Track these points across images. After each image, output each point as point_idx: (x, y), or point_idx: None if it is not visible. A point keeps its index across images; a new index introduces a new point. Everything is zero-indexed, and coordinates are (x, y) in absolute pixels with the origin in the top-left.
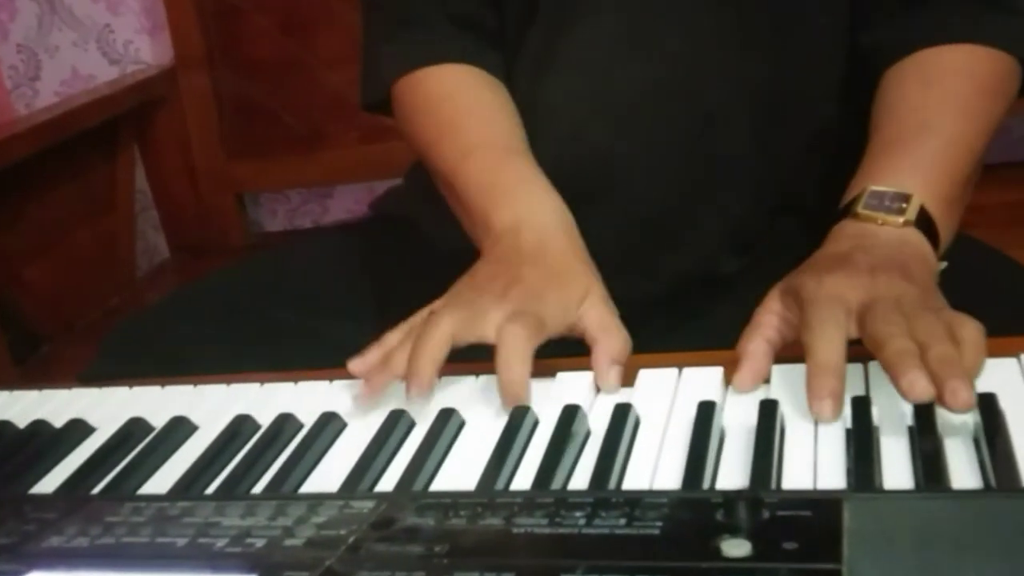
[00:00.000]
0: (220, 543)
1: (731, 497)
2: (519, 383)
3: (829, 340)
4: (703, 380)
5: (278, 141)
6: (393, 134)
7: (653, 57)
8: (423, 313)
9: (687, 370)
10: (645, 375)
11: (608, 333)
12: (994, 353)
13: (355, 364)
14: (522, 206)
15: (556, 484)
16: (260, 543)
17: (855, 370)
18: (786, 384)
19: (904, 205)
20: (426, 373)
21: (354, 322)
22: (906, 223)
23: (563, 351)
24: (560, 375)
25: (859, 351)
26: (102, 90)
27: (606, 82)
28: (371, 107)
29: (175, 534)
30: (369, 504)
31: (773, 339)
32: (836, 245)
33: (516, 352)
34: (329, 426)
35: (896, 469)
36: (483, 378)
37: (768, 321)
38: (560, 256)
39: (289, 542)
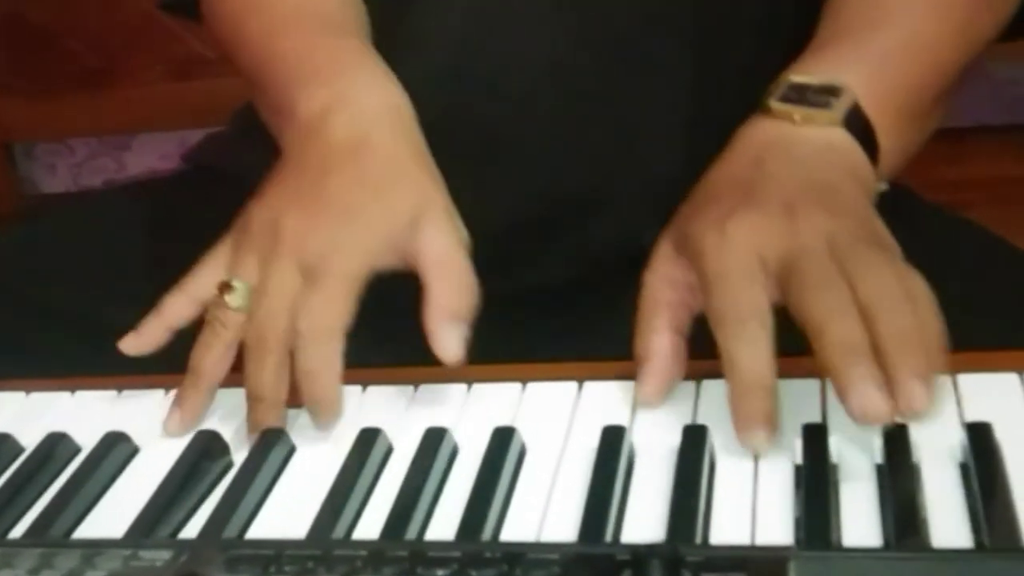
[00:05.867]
0: None
1: (642, 553)
2: (326, 398)
3: (751, 341)
4: (610, 397)
5: (60, 76)
6: (211, 69)
7: None
8: (208, 274)
9: (589, 384)
10: (535, 390)
11: (446, 278)
12: (991, 368)
13: (129, 341)
14: (337, 86)
15: (413, 532)
16: None
17: (809, 387)
18: (718, 404)
19: (832, 99)
20: (273, 419)
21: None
22: (832, 121)
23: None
24: (422, 388)
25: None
26: None
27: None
28: (168, 5)
29: None
30: (164, 555)
31: (680, 323)
32: (738, 158)
33: (316, 357)
34: (115, 450)
35: (859, 520)
36: None
37: (665, 298)
38: (384, 153)
39: None
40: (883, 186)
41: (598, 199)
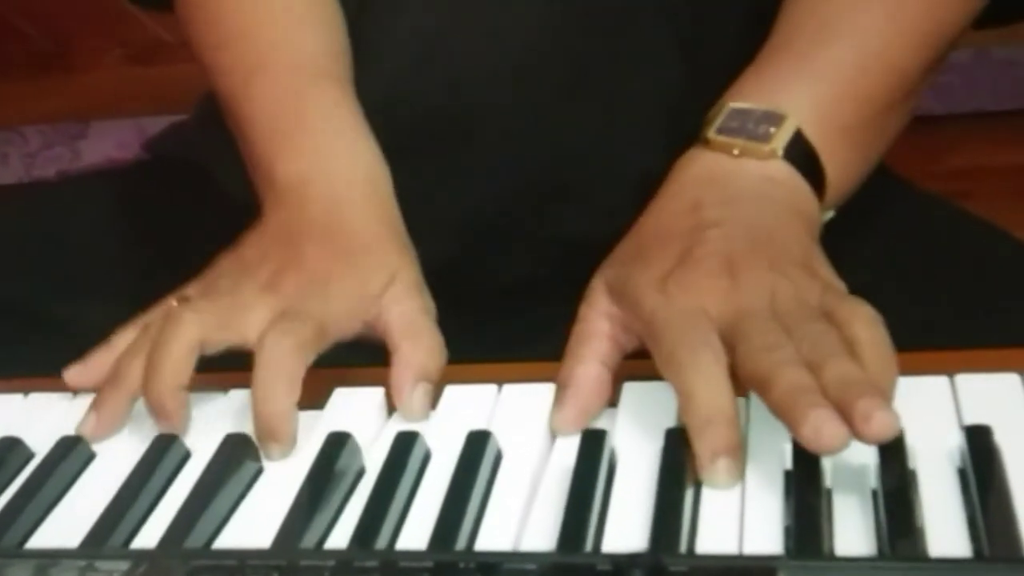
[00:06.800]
0: None
1: (624, 563)
2: (279, 416)
3: (706, 375)
4: None
5: (11, 60)
6: (172, 52)
7: None
8: (166, 304)
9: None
10: (511, 392)
11: (414, 339)
12: (991, 367)
13: (74, 373)
14: (314, 154)
15: (383, 541)
16: None
17: None
18: None
19: (773, 129)
20: (169, 404)
21: (117, 305)
22: (771, 154)
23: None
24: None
25: None
26: None
27: None
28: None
29: None
30: (122, 566)
31: (609, 357)
32: (675, 200)
33: (278, 373)
34: (71, 456)
35: (852, 528)
36: None
37: (598, 329)
38: (358, 226)
39: None
40: (829, 214)
41: (574, 189)
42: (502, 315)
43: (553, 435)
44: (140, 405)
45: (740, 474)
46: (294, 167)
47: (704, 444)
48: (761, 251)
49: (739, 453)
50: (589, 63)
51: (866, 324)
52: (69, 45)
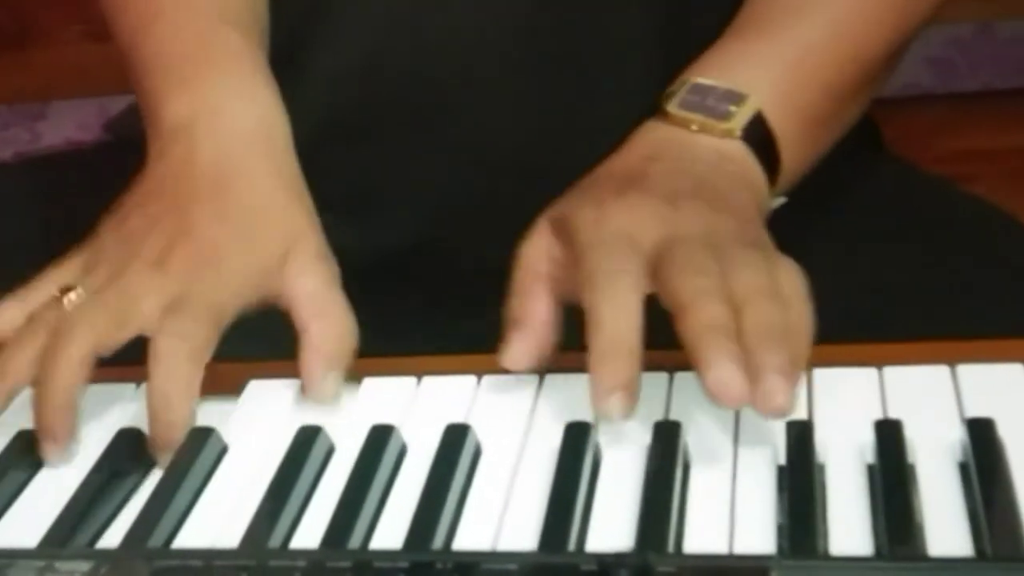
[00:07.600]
0: None
1: (609, 562)
2: (176, 426)
3: (618, 304)
4: (573, 392)
5: None
6: None
7: None
8: (51, 284)
9: (551, 377)
10: (491, 384)
11: (322, 318)
12: (994, 357)
13: None
14: (204, 94)
15: (356, 540)
16: None
17: None
18: (693, 398)
19: (733, 108)
20: (61, 428)
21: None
22: (729, 133)
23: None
24: (367, 382)
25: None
26: None
27: None
28: None
29: None
30: (83, 566)
31: (559, 296)
32: (628, 155)
33: (175, 382)
34: (29, 452)
35: (848, 526)
36: (258, 384)
37: (544, 269)
38: (253, 183)
39: None
40: (780, 200)
41: (556, 167)
42: (483, 302)
43: (530, 429)
44: (97, 398)
45: (634, 410)
46: (182, 108)
47: (600, 376)
48: (706, 195)
49: (636, 388)
50: (570, 38)
51: (794, 277)
52: (26, 21)
